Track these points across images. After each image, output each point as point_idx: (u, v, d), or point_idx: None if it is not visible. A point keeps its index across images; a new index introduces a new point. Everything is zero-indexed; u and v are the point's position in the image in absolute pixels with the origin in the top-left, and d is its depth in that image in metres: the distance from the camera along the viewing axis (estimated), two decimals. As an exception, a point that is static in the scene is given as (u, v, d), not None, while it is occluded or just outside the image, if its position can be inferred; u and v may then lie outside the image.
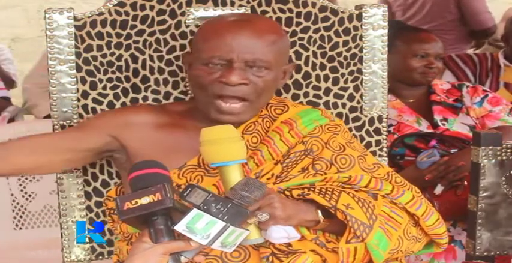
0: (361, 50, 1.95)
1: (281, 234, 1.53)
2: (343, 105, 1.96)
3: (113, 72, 1.87)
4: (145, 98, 1.88)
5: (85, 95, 1.86)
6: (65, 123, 1.86)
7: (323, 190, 1.59)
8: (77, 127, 1.79)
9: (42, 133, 1.80)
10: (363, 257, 1.57)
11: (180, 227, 1.37)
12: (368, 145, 1.98)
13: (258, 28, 1.65)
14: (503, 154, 2.07)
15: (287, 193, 1.61)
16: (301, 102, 1.92)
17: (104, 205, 1.83)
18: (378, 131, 1.99)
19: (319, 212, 1.57)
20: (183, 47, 1.88)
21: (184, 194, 1.42)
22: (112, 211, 1.77)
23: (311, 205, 1.58)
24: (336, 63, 1.95)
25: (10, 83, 4.25)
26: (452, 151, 2.57)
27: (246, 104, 1.65)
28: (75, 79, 1.85)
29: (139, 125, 1.71)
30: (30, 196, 2.75)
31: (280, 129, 1.70)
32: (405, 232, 1.63)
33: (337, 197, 1.57)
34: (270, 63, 1.64)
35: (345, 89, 1.96)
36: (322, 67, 1.94)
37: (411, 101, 2.74)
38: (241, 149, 1.52)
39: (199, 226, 1.37)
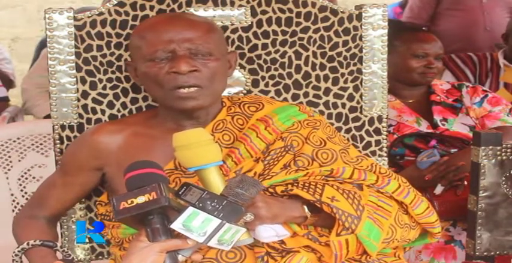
0: (361, 50, 1.95)
1: (269, 233, 1.53)
2: (343, 105, 1.96)
3: (113, 72, 1.87)
4: (145, 98, 1.88)
5: (85, 95, 1.86)
6: (64, 123, 1.86)
7: (306, 184, 1.59)
8: (71, 174, 1.76)
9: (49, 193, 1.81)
10: (356, 248, 1.57)
11: (177, 225, 1.38)
12: (368, 145, 1.98)
13: (191, 19, 1.69)
14: (503, 154, 2.07)
15: (271, 190, 1.61)
16: (301, 102, 1.93)
17: (96, 209, 1.84)
18: (377, 131, 1.99)
19: (305, 207, 1.57)
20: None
21: (180, 193, 1.43)
22: (103, 217, 1.77)
23: (296, 201, 1.58)
24: (335, 63, 1.95)
25: (8, 83, 4.24)
26: (452, 151, 2.57)
27: (201, 89, 1.64)
28: (75, 79, 1.85)
29: (108, 147, 1.71)
30: (30, 196, 2.74)
31: (256, 126, 1.70)
32: (397, 220, 1.63)
33: (321, 190, 1.57)
34: (212, 50, 1.65)
35: (344, 89, 1.96)
36: (322, 67, 1.94)
37: (411, 101, 2.74)
38: (216, 152, 1.52)
39: (195, 223, 1.38)
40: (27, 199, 2.72)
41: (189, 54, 1.63)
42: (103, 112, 1.87)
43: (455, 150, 2.57)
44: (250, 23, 1.90)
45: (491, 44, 3.87)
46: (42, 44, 4.36)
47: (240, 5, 1.90)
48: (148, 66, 1.65)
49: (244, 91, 1.92)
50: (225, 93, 1.81)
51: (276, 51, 1.92)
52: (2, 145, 2.76)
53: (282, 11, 1.91)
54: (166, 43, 1.63)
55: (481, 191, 2.07)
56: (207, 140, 1.52)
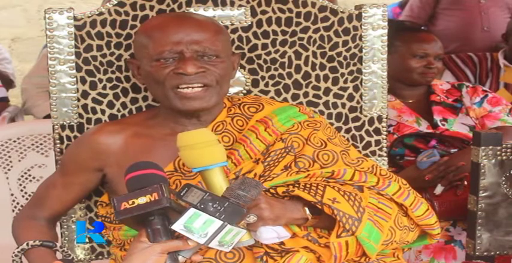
0: (360, 50, 1.95)
1: (271, 234, 1.53)
2: (343, 105, 1.96)
3: (113, 72, 1.87)
4: (145, 98, 1.88)
5: (85, 94, 1.86)
6: (64, 123, 1.86)
7: (308, 185, 1.59)
8: (71, 174, 1.77)
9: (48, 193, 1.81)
10: (356, 250, 1.57)
11: (178, 226, 1.38)
12: (368, 145, 1.98)
13: (199, 20, 1.69)
14: (503, 154, 2.07)
15: (272, 191, 1.61)
16: (300, 102, 1.93)
17: (96, 210, 1.84)
18: (377, 131, 1.99)
19: (306, 209, 1.57)
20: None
21: (181, 194, 1.43)
22: (103, 218, 1.78)
23: (298, 202, 1.58)
24: (335, 63, 1.95)
25: (8, 83, 4.24)
26: (452, 151, 2.57)
27: (209, 88, 1.65)
28: (75, 79, 1.85)
29: (109, 148, 1.71)
30: (30, 196, 2.74)
31: (256, 128, 1.70)
32: (396, 222, 1.63)
33: (323, 192, 1.57)
34: (219, 52, 1.66)
35: (344, 89, 1.96)
36: (322, 67, 1.95)
37: (411, 101, 2.74)
38: (221, 152, 1.52)
39: (196, 225, 1.38)
40: (27, 199, 2.72)
41: (196, 56, 1.63)
42: (103, 112, 1.87)
43: (455, 150, 2.58)
44: (250, 23, 1.90)
45: (489, 44, 3.87)
46: None
47: (240, 5, 1.90)
48: (153, 66, 1.65)
49: (244, 91, 1.93)
50: (225, 93, 1.81)
51: (276, 51, 1.92)
52: (2, 145, 2.76)
53: (281, 11, 1.91)
54: (174, 44, 1.63)
55: (481, 191, 2.07)
56: (213, 140, 1.52)
